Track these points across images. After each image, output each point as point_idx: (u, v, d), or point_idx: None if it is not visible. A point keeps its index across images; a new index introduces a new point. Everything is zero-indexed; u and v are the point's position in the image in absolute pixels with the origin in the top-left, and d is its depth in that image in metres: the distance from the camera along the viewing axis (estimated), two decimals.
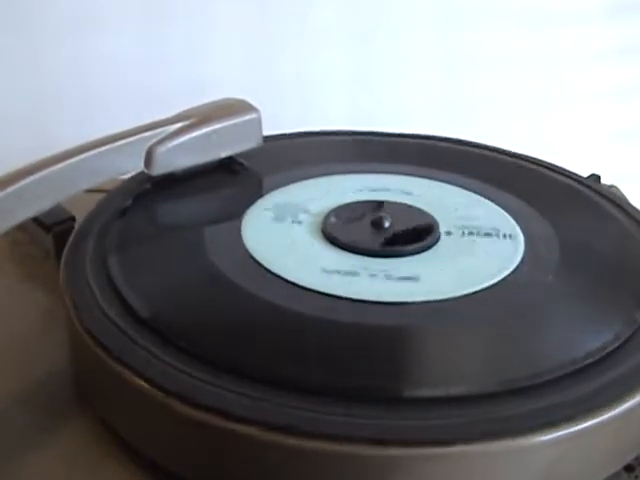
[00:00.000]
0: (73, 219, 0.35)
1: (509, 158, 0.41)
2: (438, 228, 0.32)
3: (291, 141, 0.42)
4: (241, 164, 0.38)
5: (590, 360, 0.26)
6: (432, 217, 0.33)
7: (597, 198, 0.36)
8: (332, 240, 0.32)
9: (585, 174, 0.39)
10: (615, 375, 0.25)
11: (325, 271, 0.30)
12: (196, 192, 0.36)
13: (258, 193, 0.36)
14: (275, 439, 0.23)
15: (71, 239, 0.32)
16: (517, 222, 0.33)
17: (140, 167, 0.35)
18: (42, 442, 0.27)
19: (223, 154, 0.37)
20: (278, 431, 0.23)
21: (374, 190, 0.36)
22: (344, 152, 0.42)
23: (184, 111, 0.37)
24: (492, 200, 0.35)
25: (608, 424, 0.24)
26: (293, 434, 0.23)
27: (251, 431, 0.23)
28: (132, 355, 0.26)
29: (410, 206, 0.34)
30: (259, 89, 0.43)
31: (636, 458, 0.27)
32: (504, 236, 0.32)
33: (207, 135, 0.36)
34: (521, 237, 0.32)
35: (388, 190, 0.36)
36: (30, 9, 0.52)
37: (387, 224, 0.32)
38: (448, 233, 0.32)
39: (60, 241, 0.34)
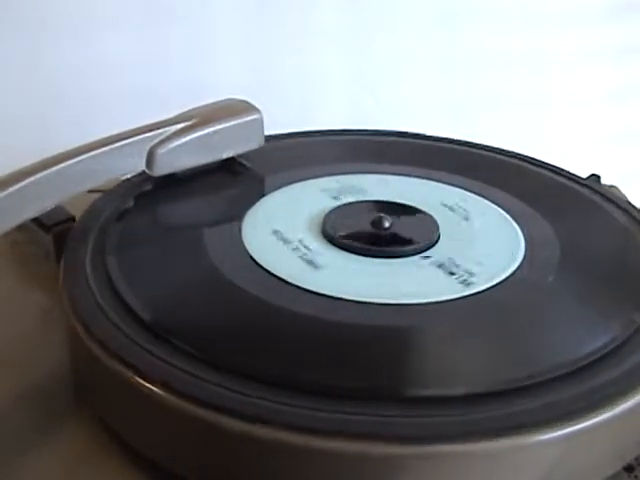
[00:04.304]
0: (73, 219, 0.35)
1: (509, 158, 0.41)
2: (438, 230, 0.32)
3: (292, 141, 0.42)
4: (242, 165, 0.38)
5: (590, 360, 0.26)
6: (433, 218, 0.33)
7: (597, 199, 0.36)
8: (331, 240, 0.32)
9: (585, 175, 0.39)
10: (615, 375, 0.25)
11: (324, 271, 0.30)
12: (197, 193, 0.36)
13: (259, 194, 0.36)
14: (274, 437, 0.23)
15: (69, 239, 0.32)
16: (517, 223, 0.34)
17: (141, 168, 0.35)
18: (41, 442, 0.27)
19: (225, 155, 0.37)
20: (277, 429, 0.23)
21: (375, 190, 0.36)
22: (345, 152, 0.42)
23: (186, 112, 0.37)
24: (492, 201, 0.35)
25: (608, 424, 0.24)
26: (293, 432, 0.23)
27: (251, 429, 0.23)
28: (132, 354, 0.26)
29: (411, 207, 0.34)
30: (259, 89, 0.43)
31: (636, 458, 0.27)
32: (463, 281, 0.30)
33: (209, 136, 0.36)
34: (522, 238, 0.32)
35: (388, 190, 0.36)
36: (30, 9, 0.52)
37: (387, 224, 0.32)
38: (446, 235, 0.32)
39: (60, 241, 0.34)
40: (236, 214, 0.34)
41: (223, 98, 0.38)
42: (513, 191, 0.36)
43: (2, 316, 0.34)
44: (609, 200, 0.36)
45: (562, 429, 0.23)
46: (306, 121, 0.44)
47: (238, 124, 0.37)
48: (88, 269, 0.30)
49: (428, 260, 0.31)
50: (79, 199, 0.33)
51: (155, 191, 0.36)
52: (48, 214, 0.33)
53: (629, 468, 0.26)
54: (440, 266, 0.30)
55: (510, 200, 0.36)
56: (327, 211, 0.34)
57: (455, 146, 0.42)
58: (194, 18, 0.55)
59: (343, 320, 0.27)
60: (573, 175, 0.39)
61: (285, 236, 0.32)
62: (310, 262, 0.30)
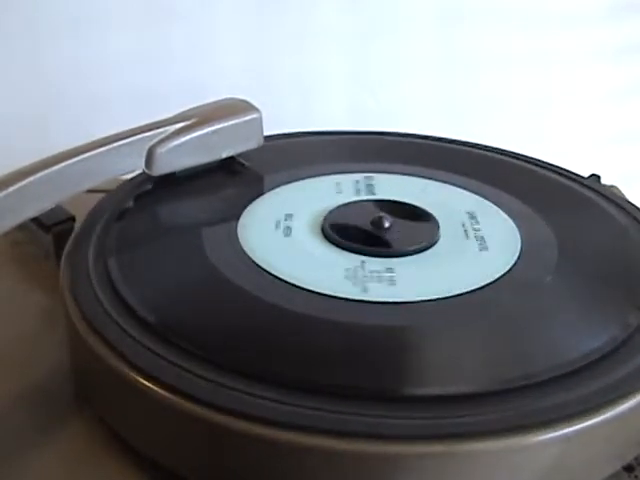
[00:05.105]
0: (73, 219, 0.35)
1: (509, 158, 0.41)
2: (438, 229, 0.33)
3: (291, 141, 0.42)
4: (242, 164, 0.38)
5: (589, 360, 0.26)
6: (433, 218, 0.33)
7: (597, 198, 0.36)
8: (331, 239, 0.32)
9: (585, 174, 0.39)
10: (615, 375, 0.25)
11: (322, 271, 0.30)
12: (197, 192, 0.36)
13: (258, 193, 0.36)
14: (275, 436, 0.23)
15: (71, 239, 0.32)
16: (516, 223, 0.33)
17: (141, 167, 0.35)
18: (42, 442, 0.27)
19: (224, 154, 0.37)
20: (277, 428, 0.23)
21: (375, 189, 0.36)
22: (344, 152, 0.42)
23: (185, 111, 0.37)
24: (491, 200, 0.35)
25: (608, 424, 0.24)
26: (291, 431, 0.23)
27: (252, 429, 0.23)
28: (133, 353, 0.26)
29: (411, 206, 0.34)
30: (259, 89, 0.43)
31: (636, 458, 0.27)
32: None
33: (208, 135, 0.36)
34: (518, 239, 0.32)
35: (388, 189, 0.36)
36: (30, 9, 0.52)
37: (387, 224, 0.32)
38: (446, 234, 0.32)
39: (60, 241, 0.34)
40: (235, 213, 0.34)
41: (223, 98, 0.38)
42: (512, 190, 0.36)
43: (2, 316, 0.34)
44: (609, 200, 0.36)
45: (562, 429, 0.23)
46: (306, 121, 0.44)
47: (237, 123, 0.37)
48: (90, 268, 0.30)
49: (429, 259, 0.31)
50: (79, 199, 0.33)
51: (155, 191, 0.36)
52: (48, 214, 0.33)
53: (629, 468, 0.26)
54: (439, 266, 0.30)
55: (509, 199, 0.35)
56: (326, 210, 0.34)
57: (455, 146, 0.42)
58: (194, 18, 0.55)
59: (343, 320, 0.27)
60: (573, 174, 0.39)
61: (284, 236, 0.32)
62: (310, 262, 0.30)
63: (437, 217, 0.33)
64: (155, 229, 0.34)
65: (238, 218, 0.33)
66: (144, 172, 0.35)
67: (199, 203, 0.36)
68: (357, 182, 0.37)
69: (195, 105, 0.37)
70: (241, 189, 0.37)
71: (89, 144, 0.33)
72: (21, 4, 0.52)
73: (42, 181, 0.31)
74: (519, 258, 0.31)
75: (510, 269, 0.30)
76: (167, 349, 0.26)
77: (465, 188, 0.37)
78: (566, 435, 0.23)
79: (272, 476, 0.24)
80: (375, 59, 0.59)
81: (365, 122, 0.44)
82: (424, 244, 0.32)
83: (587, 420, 0.23)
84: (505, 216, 0.34)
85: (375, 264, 0.30)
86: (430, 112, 0.59)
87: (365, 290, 0.29)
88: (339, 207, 0.34)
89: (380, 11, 0.57)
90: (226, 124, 0.36)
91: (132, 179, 0.37)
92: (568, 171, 0.39)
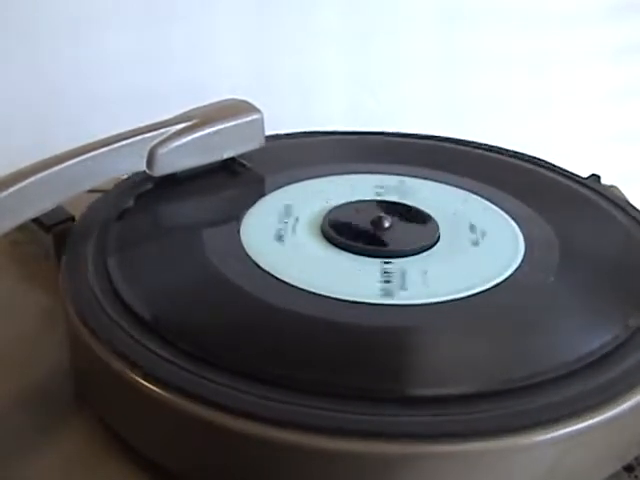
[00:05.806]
0: (73, 219, 0.35)
1: (509, 158, 0.41)
2: (437, 230, 0.32)
3: (292, 141, 0.42)
4: (243, 165, 0.38)
5: (590, 360, 0.26)
6: (432, 219, 0.33)
7: (597, 198, 0.36)
8: (331, 240, 0.32)
9: (585, 174, 0.39)
10: (615, 374, 0.25)
11: (322, 272, 0.30)
12: (198, 193, 0.36)
13: (259, 194, 0.36)
14: (275, 437, 0.23)
15: (70, 238, 0.32)
16: (517, 223, 0.34)
17: (142, 168, 0.35)
18: (41, 442, 0.27)
19: (225, 155, 0.37)
20: (277, 428, 0.23)
21: (375, 190, 0.36)
22: (345, 152, 0.42)
23: (186, 112, 0.37)
24: (491, 201, 0.35)
25: (608, 423, 0.24)
26: (292, 431, 0.23)
27: (252, 429, 0.23)
28: (132, 353, 0.26)
29: (410, 207, 0.34)
30: (259, 89, 0.43)
31: (636, 458, 0.27)
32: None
33: (209, 136, 0.36)
34: (521, 239, 0.32)
35: (388, 190, 0.36)
36: (30, 9, 0.52)
37: (387, 224, 0.32)
38: (446, 235, 0.32)
39: (60, 241, 0.34)
40: (236, 214, 0.34)
41: (223, 98, 0.39)
42: (513, 191, 0.36)
43: (2, 316, 0.34)
44: (609, 200, 0.36)
45: (562, 429, 0.23)
46: (306, 121, 0.44)
47: (238, 124, 0.37)
48: (89, 268, 0.30)
49: (429, 259, 0.31)
50: (79, 199, 0.33)
51: (156, 191, 0.36)
52: (48, 214, 0.33)
53: (629, 468, 0.26)
54: (440, 267, 0.30)
55: (510, 200, 0.35)
56: (327, 211, 0.34)
57: (455, 146, 0.42)
58: (194, 18, 0.55)
59: (343, 320, 0.27)
60: (573, 175, 0.39)
61: (285, 236, 0.32)
62: (310, 262, 0.30)
63: (437, 218, 0.33)
64: (155, 229, 0.34)
65: (240, 219, 0.33)
66: (144, 172, 0.35)
67: (200, 204, 0.36)
68: (357, 182, 0.37)
69: (196, 105, 0.37)
70: (242, 190, 0.37)
71: (90, 144, 0.33)
72: (21, 4, 0.52)
73: (43, 182, 0.31)
74: (523, 260, 0.31)
75: (514, 271, 0.30)
76: (167, 349, 0.26)
77: (466, 188, 0.37)
78: (566, 435, 0.23)
79: (272, 476, 0.24)
80: (375, 59, 0.59)
81: (365, 122, 0.44)
82: (424, 245, 0.32)
83: (587, 420, 0.24)
84: (507, 217, 0.34)
85: (376, 265, 0.30)
86: (430, 112, 0.59)
87: (367, 291, 0.29)
88: (339, 207, 0.34)
89: (380, 11, 0.57)
90: (227, 125, 0.36)
91: (128, 178, 0.37)
92: (568, 171, 0.39)
